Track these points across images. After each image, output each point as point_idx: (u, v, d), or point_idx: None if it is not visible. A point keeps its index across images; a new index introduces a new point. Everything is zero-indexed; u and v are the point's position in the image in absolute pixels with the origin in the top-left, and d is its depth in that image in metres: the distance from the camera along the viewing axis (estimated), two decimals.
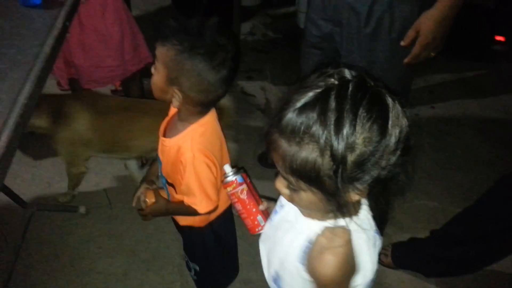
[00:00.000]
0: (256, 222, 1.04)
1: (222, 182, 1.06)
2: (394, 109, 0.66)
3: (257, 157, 2.27)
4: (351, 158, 0.64)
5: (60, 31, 1.28)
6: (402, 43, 1.30)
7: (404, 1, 1.27)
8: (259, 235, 1.04)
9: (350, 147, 0.63)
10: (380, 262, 1.81)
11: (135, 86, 2.09)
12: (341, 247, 0.75)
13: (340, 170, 0.64)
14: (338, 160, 0.64)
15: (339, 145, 0.63)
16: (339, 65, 0.70)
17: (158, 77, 1.02)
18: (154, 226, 1.93)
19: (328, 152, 0.64)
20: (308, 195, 0.72)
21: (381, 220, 0.82)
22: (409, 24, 1.27)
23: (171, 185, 1.20)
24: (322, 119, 0.63)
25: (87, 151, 1.80)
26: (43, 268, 1.79)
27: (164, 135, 1.18)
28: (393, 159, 0.67)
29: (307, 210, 0.81)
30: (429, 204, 2.08)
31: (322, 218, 0.79)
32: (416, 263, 1.77)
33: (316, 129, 0.64)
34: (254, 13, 3.59)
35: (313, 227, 0.80)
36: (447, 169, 2.28)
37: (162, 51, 0.99)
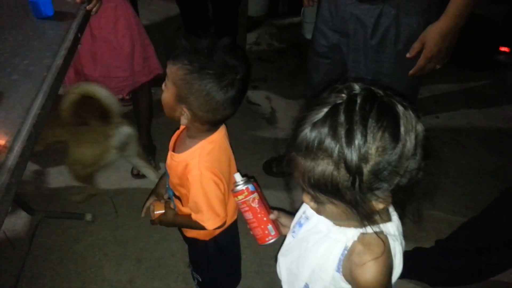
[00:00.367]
0: (266, 232, 1.05)
1: (232, 191, 1.06)
2: (406, 116, 0.68)
3: (262, 166, 2.28)
4: (366, 168, 0.66)
5: (72, 43, 1.31)
6: (407, 55, 1.32)
7: (410, 14, 1.29)
8: (272, 245, 1.05)
9: (363, 158, 0.65)
10: None
11: (144, 95, 2.11)
12: (380, 252, 0.77)
13: (357, 181, 0.66)
14: (354, 172, 0.65)
15: (353, 157, 0.65)
16: (347, 79, 0.72)
17: (167, 94, 1.04)
18: (159, 234, 1.94)
19: (342, 165, 0.66)
20: (332, 207, 0.74)
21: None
22: (415, 36, 1.29)
23: (178, 198, 1.22)
24: (333, 133, 0.65)
25: None
26: (49, 275, 1.80)
27: (174, 150, 1.19)
28: (412, 164, 0.68)
29: (337, 221, 0.83)
30: (434, 213, 2.08)
31: (356, 225, 0.80)
32: (421, 273, 1.77)
33: (329, 143, 0.66)
34: (260, 23, 3.62)
35: (348, 234, 0.81)
36: (452, 179, 2.28)
37: (173, 70, 1.01)
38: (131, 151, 1.81)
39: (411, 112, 0.69)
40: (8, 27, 1.36)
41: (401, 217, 0.83)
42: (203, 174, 1.07)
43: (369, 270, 0.77)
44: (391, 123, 0.66)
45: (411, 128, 0.67)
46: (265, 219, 1.04)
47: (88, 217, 1.99)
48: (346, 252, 0.81)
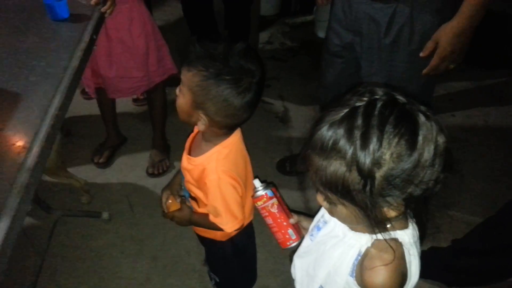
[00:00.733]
0: (287, 236, 1.05)
1: (252, 196, 1.07)
2: (426, 125, 0.66)
3: (276, 165, 2.29)
4: (379, 173, 0.66)
5: (88, 44, 1.33)
6: (421, 54, 1.31)
7: (425, 13, 1.28)
8: (289, 250, 1.05)
9: (377, 162, 0.65)
10: None
11: (158, 95, 2.13)
12: (391, 259, 0.76)
13: (368, 185, 0.66)
14: (365, 175, 0.65)
15: (366, 160, 0.64)
16: (366, 83, 0.72)
17: (183, 101, 1.03)
18: (175, 232, 1.96)
19: (355, 167, 0.66)
20: (343, 209, 0.74)
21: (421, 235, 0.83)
22: (429, 35, 1.28)
23: (194, 199, 1.22)
24: (349, 135, 0.65)
25: None
26: (67, 272, 1.83)
27: (189, 152, 1.19)
28: (429, 175, 0.67)
29: (348, 224, 0.83)
30: (449, 213, 2.06)
31: (372, 231, 0.79)
32: (436, 273, 1.75)
33: (343, 144, 0.66)
34: (272, 22, 3.62)
35: (363, 240, 0.81)
36: (468, 178, 2.25)
37: (188, 76, 1.00)
38: None
39: (433, 123, 0.67)
40: (25, 29, 1.39)
41: (418, 224, 0.82)
42: (221, 178, 1.06)
43: (378, 275, 0.76)
44: (409, 130, 0.65)
45: (430, 138, 0.66)
46: (285, 223, 1.05)
47: (105, 215, 2.02)
48: (359, 257, 0.81)
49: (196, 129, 1.21)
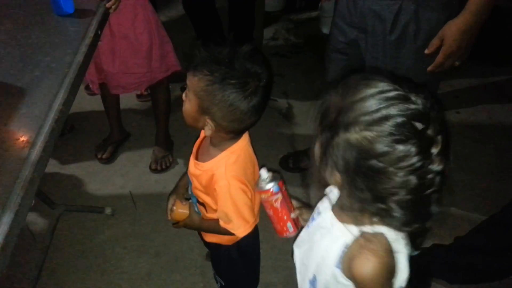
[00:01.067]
0: (285, 228, 1.06)
1: (256, 186, 1.05)
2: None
3: (279, 161, 2.28)
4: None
5: (92, 39, 1.32)
6: (426, 51, 1.30)
7: (430, 9, 1.27)
8: (288, 240, 1.06)
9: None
10: None
11: (162, 91, 2.13)
12: (379, 250, 0.77)
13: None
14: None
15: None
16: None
17: (189, 106, 1.02)
18: (177, 229, 1.96)
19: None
20: (332, 175, 0.76)
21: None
22: (434, 32, 1.27)
23: (202, 204, 1.20)
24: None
25: None
26: (70, 267, 1.84)
27: (197, 157, 1.17)
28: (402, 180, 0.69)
29: (342, 212, 0.84)
30: (453, 210, 2.05)
31: (358, 223, 0.80)
32: (439, 270, 1.75)
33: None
34: (277, 18, 3.61)
35: (349, 232, 0.82)
36: (472, 175, 2.24)
37: (193, 81, 0.99)
38: None
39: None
40: (30, 24, 1.39)
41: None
42: (231, 184, 1.05)
43: (366, 265, 0.77)
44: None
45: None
46: (285, 217, 1.05)
47: (108, 210, 2.03)
48: (345, 249, 0.82)
49: (202, 133, 1.20)
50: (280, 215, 1.05)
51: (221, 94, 0.96)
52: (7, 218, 0.83)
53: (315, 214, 0.98)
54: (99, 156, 2.30)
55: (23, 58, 1.24)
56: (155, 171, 2.24)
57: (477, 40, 1.28)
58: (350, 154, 0.71)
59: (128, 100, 2.61)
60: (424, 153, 0.68)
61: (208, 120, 1.01)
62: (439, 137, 0.69)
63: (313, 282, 0.95)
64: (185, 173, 1.26)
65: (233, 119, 1.00)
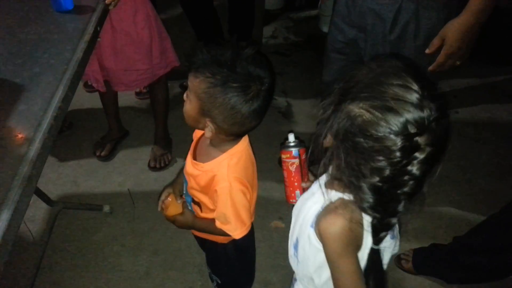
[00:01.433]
0: (293, 195, 1.09)
1: (281, 146, 1.09)
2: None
3: (278, 160, 2.28)
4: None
5: (92, 36, 1.32)
6: (427, 51, 1.29)
7: (430, 9, 1.26)
8: (286, 239, 1.06)
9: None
10: (401, 267, 1.80)
11: (161, 88, 2.12)
12: (350, 216, 0.81)
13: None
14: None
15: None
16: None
17: (190, 107, 1.01)
18: (175, 227, 1.95)
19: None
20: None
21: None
22: (434, 32, 1.26)
23: (197, 204, 1.20)
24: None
25: None
26: (68, 265, 1.84)
27: (194, 157, 1.17)
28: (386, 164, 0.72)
29: (329, 179, 0.88)
30: (452, 210, 2.06)
31: (339, 190, 0.84)
32: (437, 269, 1.76)
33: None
34: (276, 16, 3.61)
35: (329, 196, 0.86)
36: (471, 176, 2.25)
37: (195, 83, 0.97)
38: None
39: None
40: (29, 20, 1.38)
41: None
42: (233, 186, 1.05)
43: (333, 224, 0.81)
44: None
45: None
46: (296, 184, 1.08)
47: (106, 208, 2.02)
48: (321, 210, 0.86)
49: (198, 132, 1.20)
50: (292, 179, 1.08)
51: (223, 97, 0.95)
52: (5, 215, 0.83)
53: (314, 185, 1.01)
54: (97, 154, 2.29)
55: (22, 54, 1.23)
56: (153, 169, 2.24)
57: (477, 40, 1.28)
58: (344, 123, 0.75)
59: (127, 98, 2.61)
60: (407, 153, 0.70)
61: (209, 122, 1.01)
62: (428, 148, 0.71)
63: (296, 246, 0.98)
64: (181, 173, 1.25)
65: (234, 122, 0.99)
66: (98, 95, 2.21)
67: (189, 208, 1.25)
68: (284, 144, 1.09)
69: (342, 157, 0.77)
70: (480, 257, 1.59)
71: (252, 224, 1.30)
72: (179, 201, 1.23)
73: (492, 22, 1.29)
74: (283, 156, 1.08)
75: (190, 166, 1.15)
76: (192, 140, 1.23)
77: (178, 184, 1.31)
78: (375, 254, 0.85)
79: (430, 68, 1.31)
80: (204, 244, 1.39)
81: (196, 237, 1.40)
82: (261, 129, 2.43)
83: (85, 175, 2.22)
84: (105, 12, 1.50)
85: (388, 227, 0.82)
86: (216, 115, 0.98)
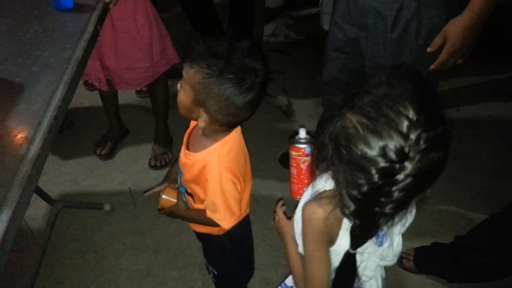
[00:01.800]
0: (301, 192, 1.09)
1: (289, 141, 1.07)
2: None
3: (279, 158, 2.28)
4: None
5: (92, 35, 1.31)
6: (428, 50, 1.29)
7: (432, 7, 1.26)
8: None
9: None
10: (402, 266, 1.80)
11: (161, 86, 2.11)
12: (332, 210, 0.82)
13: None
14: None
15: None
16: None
17: (185, 96, 1.02)
18: (176, 225, 1.96)
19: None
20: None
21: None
22: (436, 30, 1.26)
23: (190, 194, 1.21)
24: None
25: None
26: (69, 264, 1.84)
27: (188, 147, 1.18)
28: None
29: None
30: (453, 209, 2.06)
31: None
32: (438, 268, 1.75)
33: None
34: (277, 14, 3.60)
35: (325, 184, 0.88)
36: (473, 174, 2.24)
37: (190, 73, 0.99)
38: None
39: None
40: (28, 19, 1.38)
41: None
42: (223, 175, 1.06)
43: (314, 213, 0.84)
44: None
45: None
46: (305, 181, 1.07)
47: (107, 207, 2.02)
48: (316, 195, 0.88)
49: (193, 123, 1.20)
50: (302, 176, 1.07)
51: (218, 88, 0.96)
52: (5, 215, 0.82)
53: None
54: (98, 152, 2.29)
55: (21, 53, 1.23)
56: (154, 167, 2.24)
57: (479, 38, 1.27)
58: (337, 128, 0.75)
59: (127, 97, 2.60)
60: (384, 176, 0.70)
61: (203, 112, 1.02)
62: (408, 179, 0.69)
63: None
64: (176, 161, 1.26)
65: (228, 113, 1.00)
66: (98, 94, 2.21)
67: (184, 199, 1.25)
68: (294, 140, 1.06)
69: (329, 155, 0.78)
70: (481, 256, 1.59)
71: (248, 217, 1.31)
72: (173, 190, 1.24)
73: (494, 20, 1.29)
74: (294, 153, 1.06)
75: (183, 156, 1.16)
76: None
77: (173, 173, 1.32)
78: (349, 257, 0.87)
79: (432, 67, 1.31)
80: (201, 236, 1.39)
81: (193, 229, 1.40)
82: (262, 128, 2.45)
83: (85, 173, 2.22)
84: (105, 10, 1.50)
85: (367, 236, 0.84)
86: (210, 105, 0.99)
